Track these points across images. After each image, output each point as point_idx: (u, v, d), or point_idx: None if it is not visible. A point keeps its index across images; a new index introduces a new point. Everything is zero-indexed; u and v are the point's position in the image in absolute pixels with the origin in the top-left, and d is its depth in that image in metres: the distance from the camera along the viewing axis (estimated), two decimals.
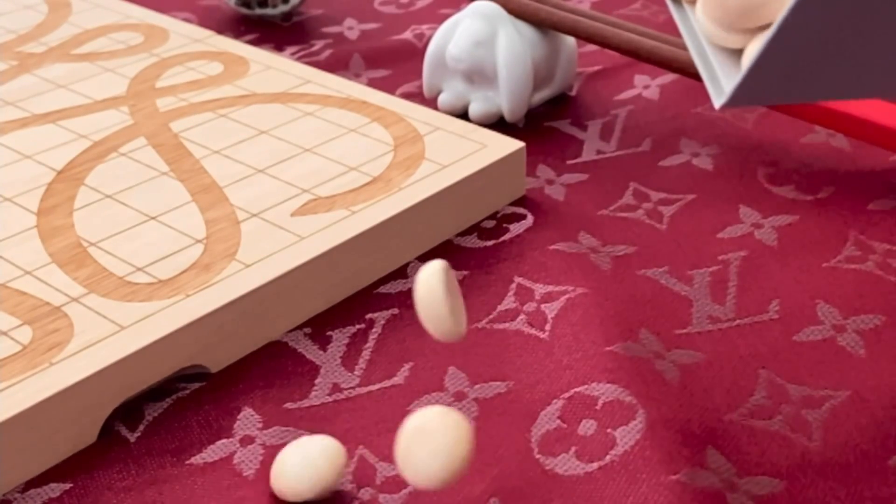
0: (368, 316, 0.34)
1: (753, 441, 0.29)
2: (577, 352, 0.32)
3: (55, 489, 0.28)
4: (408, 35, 0.53)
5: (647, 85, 0.47)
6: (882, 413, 0.30)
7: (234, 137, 0.40)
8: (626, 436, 0.29)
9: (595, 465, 0.28)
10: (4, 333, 0.30)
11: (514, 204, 0.39)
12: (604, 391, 0.30)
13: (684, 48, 0.42)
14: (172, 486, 0.28)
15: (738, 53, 0.27)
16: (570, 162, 0.42)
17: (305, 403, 0.31)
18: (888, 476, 0.28)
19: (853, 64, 0.25)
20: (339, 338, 0.33)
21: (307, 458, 0.27)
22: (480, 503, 0.27)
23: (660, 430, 0.29)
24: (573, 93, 0.47)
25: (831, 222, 0.38)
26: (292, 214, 0.35)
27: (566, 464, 0.28)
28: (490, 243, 0.37)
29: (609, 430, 0.29)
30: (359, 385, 0.31)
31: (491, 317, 0.34)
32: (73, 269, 0.33)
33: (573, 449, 0.29)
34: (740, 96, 0.25)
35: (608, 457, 0.28)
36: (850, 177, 0.40)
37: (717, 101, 0.26)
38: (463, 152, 0.39)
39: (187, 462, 0.29)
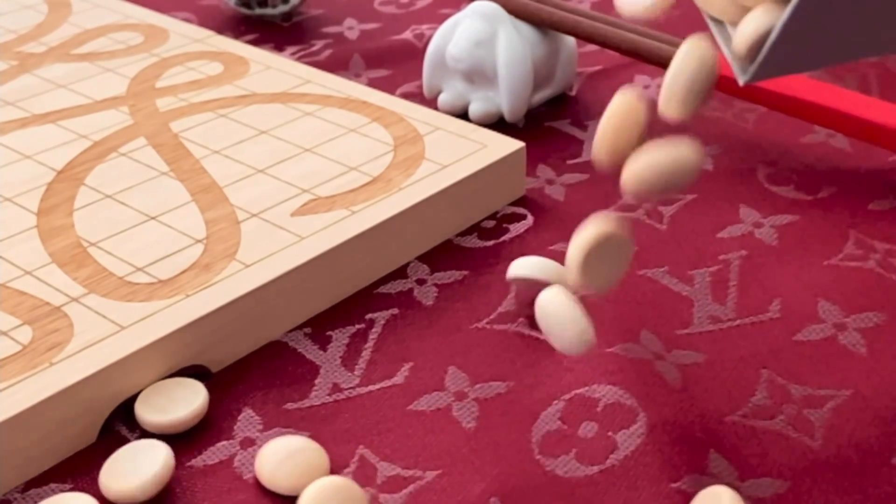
0: (368, 316, 0.34)
1: (756, 442, 0.29)
2: None
3: (55, 489, 0.28)
4: (408, 35, 0.53)
5: (648, 85, 0.47)
6: (885, 411, 0.30)
7: (234, 137, 0.40)
8: (627, 440, 0.29)
9: (596, 468, 0.28)
10: (4, 333, 0.30)
11: (514, 204, 0.39)
12: (605, 393, 0.30)
13: None
14: (172, 489, 0.28)
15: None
16: (570, 162, 0.42)
17: (305, 403, 0.31)
18: (892, 474, 0.28)
19: (876, 20, 0.25)
20: (339, 338, 0.33)
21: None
22: (481, 502, 0.27)
23: (661, 434, 0.29)
24: (573, 93, 0.47)
25: (831, 222, 0.38)
26: (292, 214, 0.35)
27: (566, 465, 0.28)
28: (490, 243, 0.37)
29: (610, 434, 0.29)
30: (359, 385, 0.31)
31: (491, 317, 0.34)
32: (73, 269, 0.33)
33: (573, 451, 0.29)
34: (764, 69, 0.25)
35: (609, 461, 0.28)
36: (850, 177, 0.40)
37: (742, 78, 0.26)
38: (463, 152, 0.39)
39: (187, 464, 0.29)
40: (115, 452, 0.28)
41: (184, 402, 0.30)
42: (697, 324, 0.33)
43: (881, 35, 0.26)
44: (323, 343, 0.33)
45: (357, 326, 0.34)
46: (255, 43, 0.52)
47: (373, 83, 0.48)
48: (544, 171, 0.41)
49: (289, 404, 0.31)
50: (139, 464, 0.27)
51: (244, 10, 0.54)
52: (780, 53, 0.25)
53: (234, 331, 0.32)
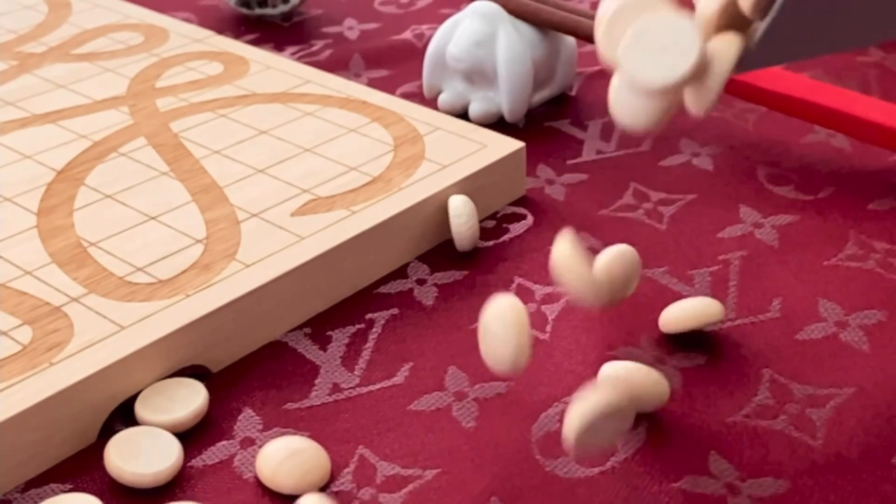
0: (368, 316, 0.34)
1: (757, 442, 0.29)
2: (578, 354, 0.32)
3: (55, 489, 0.28)
4: (408, 35, 0.53)
5: None
6: (886, 409, 0.30)
7: (234, 137, 0.40)
8: (628, 444, 0.29)
9: (596, 469, 0.28)
10: (4, 333, 0.30)
11: (514, 204, 0.39)
12: None
13: None
14: (172, 489, 0.28)
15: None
16: (570, 162, 0.42)
17: (305, 404, 0.31)
18: (893, 473, 0.28)
19: (864, 8, 0.25)
20: (339, 338, 0.33)
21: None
22: (481, 502, 0.27)
23: (662, 437, 0.29)
24: (573, 93, 0.47)
25: (831, 222, 0.38)
26: (292, 214, 0.35)
27: (566, 466, 0.28)
28: (490, 243, 0.37)
29: None
30: (359, 385, 0.31)
31: None
32: (73, 269, 0.33)
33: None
34: (754, 60, 0.26)
35: (609, 463, 0.28)
36: (850, 177, 0.40)
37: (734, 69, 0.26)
38: (463, 152, 0.39)
39: (188, 464, 0.29)
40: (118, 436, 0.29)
41: (184, 402, 0.30)
42: None
43: (871, 23, 0.26)
44: (323, 343, 0.33)
45: (357, 326, 0.34)
46: (255, 43, 0.52)
47: (373, 83, 0.48)
48: (544, 171, 0.41)
49: (289, 404, 0.31)
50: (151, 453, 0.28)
51: (244, 10, 0.54)
52: (771, 42, 0.25)
53: (234, 331, 0.32)
